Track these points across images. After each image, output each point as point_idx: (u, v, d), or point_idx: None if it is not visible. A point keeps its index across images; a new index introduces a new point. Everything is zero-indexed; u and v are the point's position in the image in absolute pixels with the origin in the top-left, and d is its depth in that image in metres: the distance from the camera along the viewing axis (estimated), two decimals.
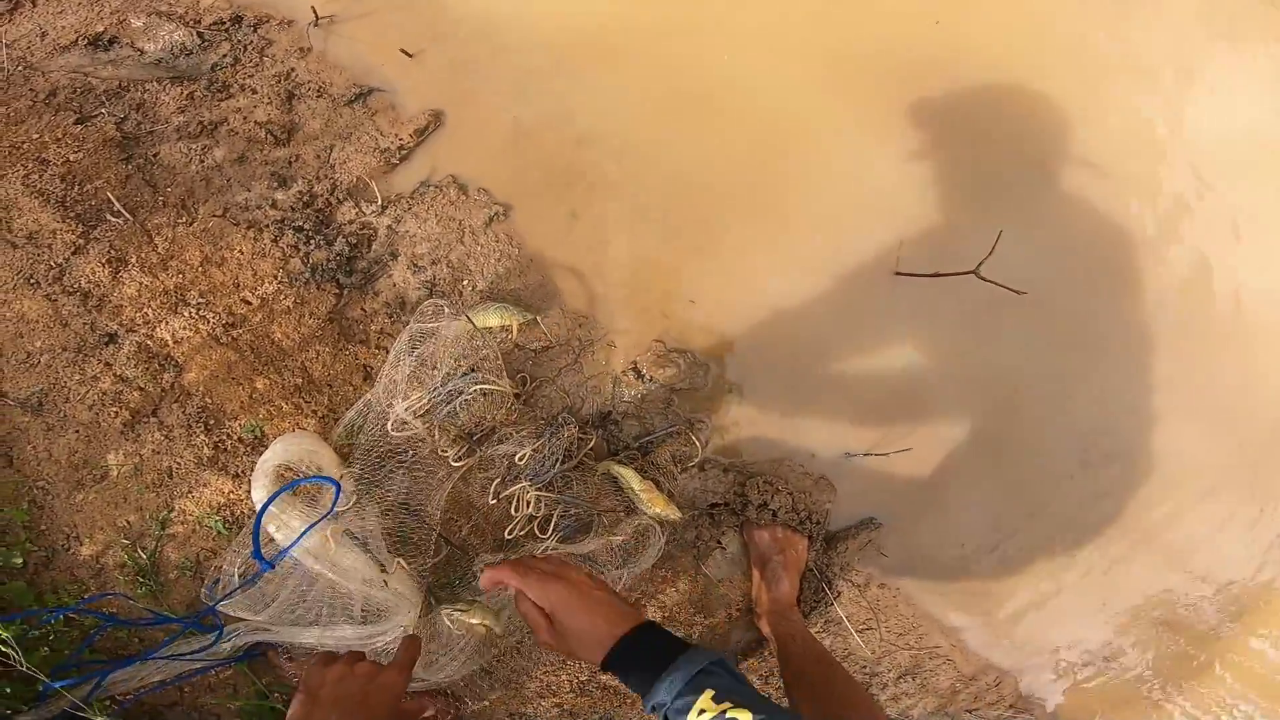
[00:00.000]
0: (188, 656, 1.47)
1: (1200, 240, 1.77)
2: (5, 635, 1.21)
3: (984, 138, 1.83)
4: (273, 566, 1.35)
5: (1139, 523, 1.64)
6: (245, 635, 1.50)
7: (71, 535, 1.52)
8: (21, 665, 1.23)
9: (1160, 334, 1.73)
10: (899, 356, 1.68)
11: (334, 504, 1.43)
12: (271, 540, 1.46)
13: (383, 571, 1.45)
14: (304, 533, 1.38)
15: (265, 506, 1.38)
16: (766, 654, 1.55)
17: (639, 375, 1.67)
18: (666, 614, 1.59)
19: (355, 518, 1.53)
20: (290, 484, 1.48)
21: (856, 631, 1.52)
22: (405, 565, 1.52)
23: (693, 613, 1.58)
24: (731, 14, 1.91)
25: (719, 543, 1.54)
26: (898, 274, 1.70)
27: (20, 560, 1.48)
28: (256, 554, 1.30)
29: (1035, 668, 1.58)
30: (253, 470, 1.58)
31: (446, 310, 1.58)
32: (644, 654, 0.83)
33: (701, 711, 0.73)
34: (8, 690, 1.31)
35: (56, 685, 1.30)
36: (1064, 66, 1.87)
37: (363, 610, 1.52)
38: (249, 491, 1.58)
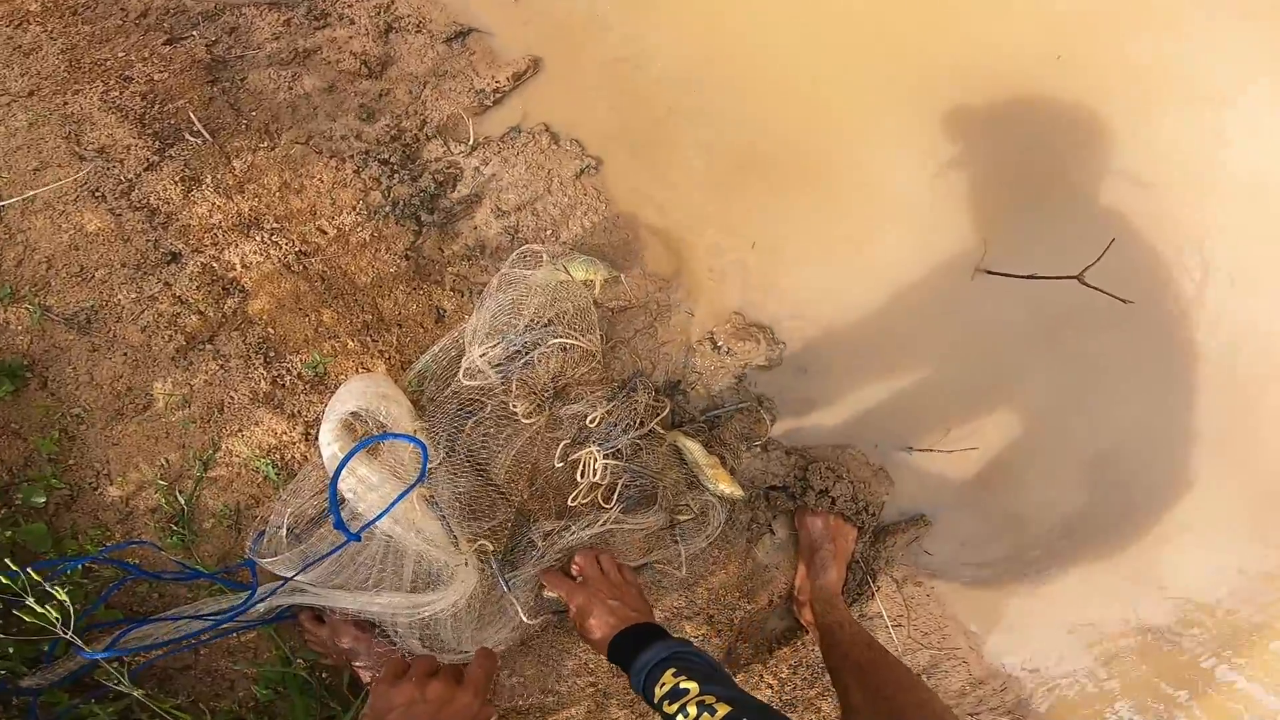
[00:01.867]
0: (219, 616, 1.26)
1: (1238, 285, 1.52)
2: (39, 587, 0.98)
3: (1079, 147, 1.59)
4: (359, 538, 1.08)
5: (1152, 552, 1.47)
6: (281, 596, 1.29)
7: (102, 473, 1.25)
8: (64, 634, 0.95)
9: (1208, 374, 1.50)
10: (972, 356, 1.49)
11: (423, 469, 1.15)
12: (344, 502, 1.20)
13: (454, 540, 1.25)
14: (396, 500, 1.09)
15: (342, 466, 1.14)
16: (799, 644, 1.39)
17: (715, 346, 1.44)
18: (712, 594, 1.38)
19: (444, 481, 1.33)
20: (368, 440, 1.27)
21: (888, 627, 1.41)
22: (488, 544, 1.32)
23: (738, 596, 1.38)
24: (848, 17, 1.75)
25: (770, 528, 1.39)
26: (986, 272, 1.48)
27: (42, 499, 1.23)
28: (339, 524, 1.03)
29: (1037, 678, 1.47)
30: (312, 411, 1.38)
31: (545, 257, 1.33)
32: (629, 647, 1.02)
33: (663, 684, 0.90)
34: (10, 650, 1.04)
35: (90, 655, 1.08)
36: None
37: (413, 576, 1.31)
38: (304, 434, 1.38)
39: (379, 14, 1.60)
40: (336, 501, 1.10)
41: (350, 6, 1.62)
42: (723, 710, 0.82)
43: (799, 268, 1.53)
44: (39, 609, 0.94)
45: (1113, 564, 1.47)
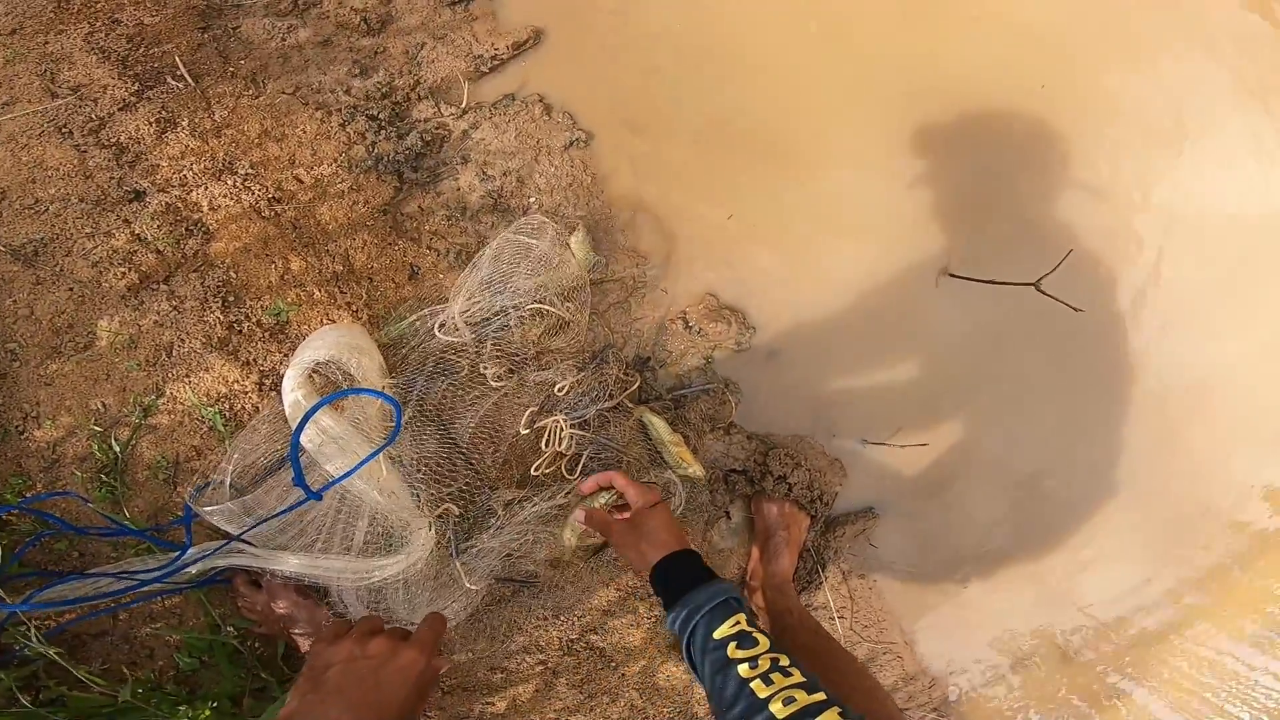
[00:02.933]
0: (148, 574, 1.12)
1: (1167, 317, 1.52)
2: None
3: (1050, 161, 1.56)
4: (320, 497, 0.94)
5: (1072, 562, 1.47)
6: (219, 557, 1.15)
7: (30, 415, 1.10)
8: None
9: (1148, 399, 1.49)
10: (932, 356, 1.45)
11: (396, 428, 1.01)
12: (303, 453, 1.04)
13: (417, 502, 1.13)
14: (368, 459, 0.95)
15: (309, 415, 1.04)
16: None
17: (687, 326, 1.35)
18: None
19: (409, 442, 1.21)
20: (341, 393, 1.15)
21: (833, 618, 1.38)
22: (453, 507, 1.19)
23: None
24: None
25: (726, 512, 1.33)
26: (951, 275, 1.45)
27: None
28: (299, 480, 0.89)
29: (960, 679, 1.45)
30: (269, 361, 1.25)
31: (551, 230, 1.24)
32: (688, 569, 0.85)
33: (736, 623, 0.76)
34: None
35: (7, 607, 0.93)
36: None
37: (364, 539, 1.18)
38: (258, 384, 1.25)
39: None
40: (298, 454, 0.97)
41: None
42: (798, 676, 0.69)
43: (775, 256, 1.43)
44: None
45: (1033, 576, 1.44)
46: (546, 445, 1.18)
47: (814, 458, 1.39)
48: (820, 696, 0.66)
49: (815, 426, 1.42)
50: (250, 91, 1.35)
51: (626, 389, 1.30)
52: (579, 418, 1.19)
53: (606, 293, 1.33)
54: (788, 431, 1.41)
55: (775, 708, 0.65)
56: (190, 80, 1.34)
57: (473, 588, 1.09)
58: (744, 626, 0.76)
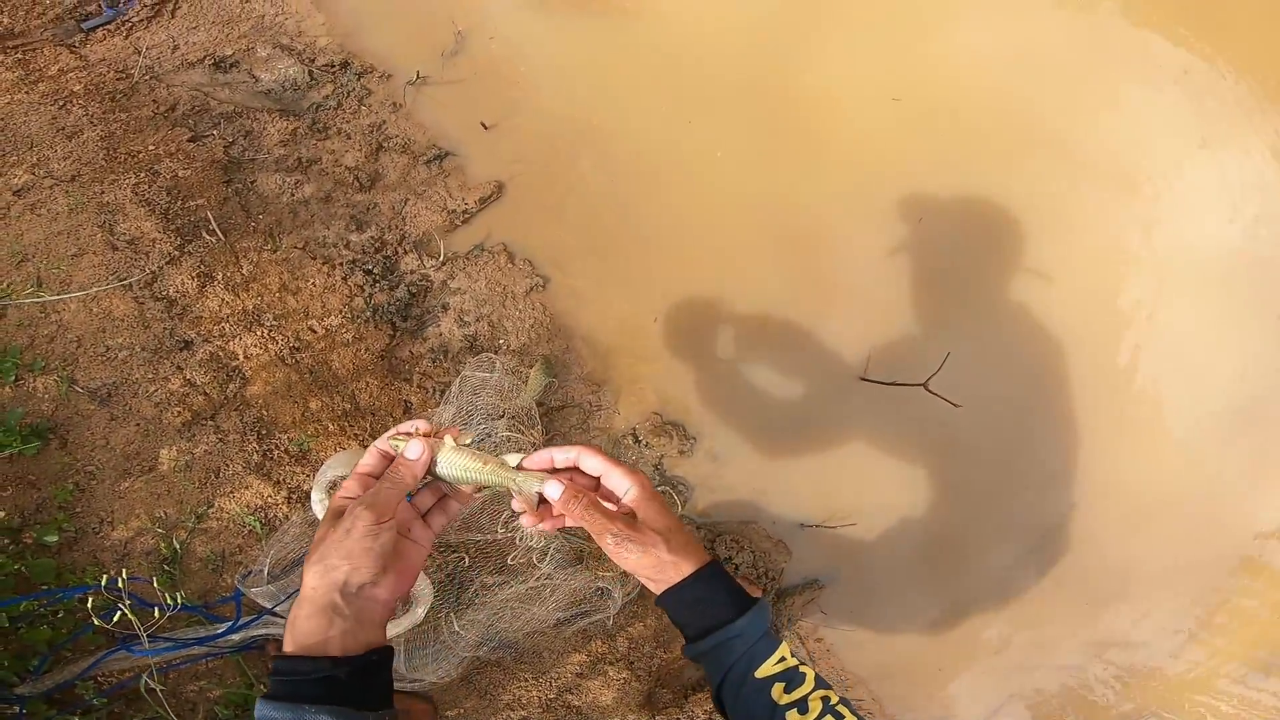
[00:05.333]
0: (202, 640, 1.44)
1: (1144, 356, 1.70)
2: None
3: (959, 246, 1.76)
4: None
5: (1066, 609, 1.66)
6: (258, 628, 1.49)
7: (106, 520, 1.40)
8: (144, 639, 1.17)
9: (1095, 443, 1.69)
10: (860, 447, 1.68)
11: None
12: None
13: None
14: None
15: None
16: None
17: (636, 440, 1.64)
18: (632, 644, 1.55)
19: None
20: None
21: None
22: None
23: (654, 646, 1.56)
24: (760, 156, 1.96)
25: None
26: (861, 379, 1.71)
27: (55, 538, 1.37)
28: None
29: None
30: (295, 480, 1.58)
31: (498, 364, 1.54)
32: (725, 590, 0.65)
33: (782, 659, 0.62)
34: (5, 664, 1.20)
35: (138, 651, 1.26)
36: (1047, 169, 1.76)
37: None
38: (287, 498, 1.58)
39: (372, 132, 1.76)
40: None
41: (348, 122, 1.78)
42: (849, 718, 0.59)
43: (711, 375, 1.72)
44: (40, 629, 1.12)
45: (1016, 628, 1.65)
46: (520, 540, 1.48)
47: (759, 540, 1.64)
48: None
49: (758, 514, 1.68)
50: (269, 246, 1.60)
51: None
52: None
53: (567, 417, 1.62)
54: (735, 519, 1.67)
55: None
56: (220, 235, 1.59)
57: (459, 630, 1.42)
58: (789, 662, 0.62)
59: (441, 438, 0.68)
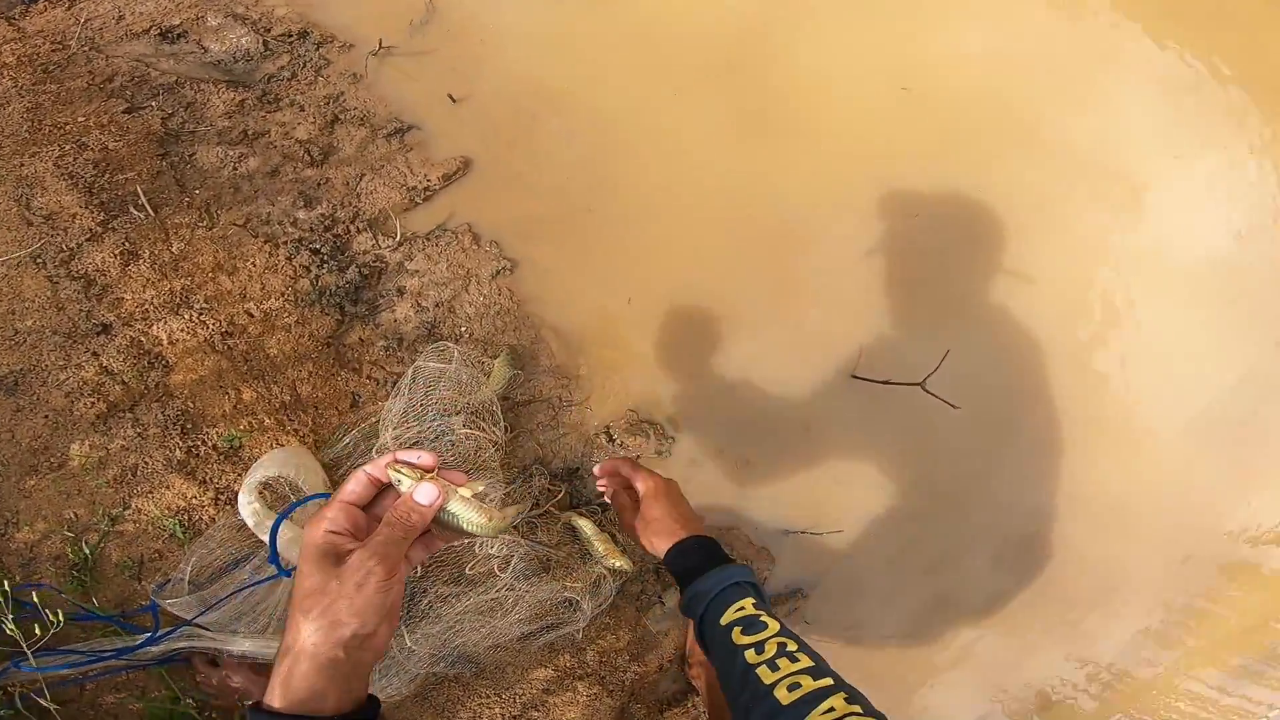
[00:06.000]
0: (117, 650, 1.27)
1: (1119, 358, 1.62)
2: None
3: (951, 245, 1.66)
4: (290, 574, 1.12)
5: (1042, 614, 1.57)
6: (180, 640, 1.31)
7: (10, 521, 1.24)
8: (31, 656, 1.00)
9: (1075, 447, 1.60)
10: (845, 449, 1.57)
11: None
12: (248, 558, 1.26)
13: None
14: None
15: (286, 514, 1.12)
16: (690, 705, 1.43)
17: (610, 439, 1.48)
18: (604, 657, 1.41)
19: None
20: (310, 498, 1.29)
21: None
22: None
23: (628, 659, 1.42)
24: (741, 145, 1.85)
25: (660, 598, 1.44)
26: (854, 377, 1.58)
27: None
28: (274, 559, 1.08)
29: None
30: (224, 480, 1.40)
31: (456, 353, 1.36)
32: (698, 554, 0.84)
33: (741, 609, 0.72)
34: None
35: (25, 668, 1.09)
36: (1036, 168, 1.68)
37: None
38: (214, 499, 1.40)
39: (329, 104, 1.61)
40: (275, 539, 1.12)
41: (302, 93, 1.63)
42: (805, 661, 0.65)
43: (690, 372, 1.58)
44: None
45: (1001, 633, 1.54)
46: (480, 549, 1.32)
47: (741, 547, 1.50)
48: (826, 681, 0.63)
49: (740, 519, 1.54)
50: (204, 223, 1.44)
51: (553, 498, 1.42)
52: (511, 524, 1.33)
53: (535, 413, 1.46)
54: (716, 525, 1.53)
55: (780, 694, 0.62)
56: (150, 210, 1.42)
57: (411, 647, 1.25)
58: (750, 611, 0.72)
59: (448, 480, 0.61)
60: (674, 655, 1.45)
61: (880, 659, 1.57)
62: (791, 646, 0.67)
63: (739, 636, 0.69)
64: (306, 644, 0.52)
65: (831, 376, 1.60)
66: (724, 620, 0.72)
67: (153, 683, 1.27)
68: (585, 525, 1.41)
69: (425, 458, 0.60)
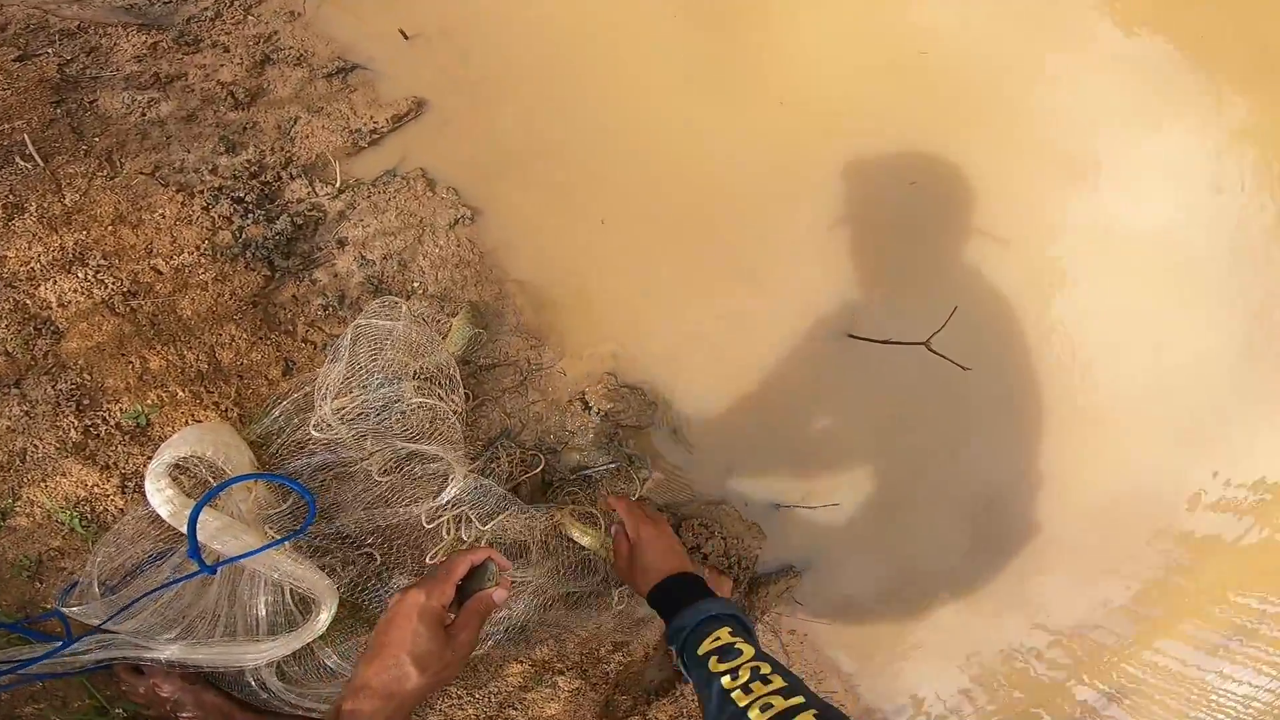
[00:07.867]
0: (35, 662, 1.03)
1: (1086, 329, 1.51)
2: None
3: (946, 208, 1.51)
4: (215, 571, 0.94)
5: (1009, 585, 1.47)
6: (94, 651, 1.07)
7: None
8: None
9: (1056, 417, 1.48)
10: (838, 416, 1.42)
11: (310, 518, 1.00)
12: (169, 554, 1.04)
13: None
14: (265, 547, 0.95)
15: (206, 500, 0.90)
16: (679, 694, 1.30)
17: (586, 407, 1.30)
18: (585, 648, 1.25)
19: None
20: (236, 479, 1.06)
21: None
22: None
23: (611, 649, 1.27)
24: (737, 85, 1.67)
25: None
26: (850, 336, 1.43)
27: None
28: (194, 553, 0.88)
29: (904, 712, 1.45)
30: (131, 464, 1.16)
31: (404, 309, 1.16)
32: (678, 591, 0.89)
33: (717, 639, 0.77)
34: None
35: None
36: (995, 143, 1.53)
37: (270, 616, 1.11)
38: (120, 487, 1.15)
39: (258, 43, 1.40)
40: (195, 531, 0.91)
41: (227, 34, 1.42)
42: (778, 683, 0.68)
43: (673, 330, 1.41)
44: None
45: (983, 598, 1.45)
46: (447, 534, 1.11)
47: (730, 524, 1.35)
48: (797, 700, 0.65)
49: (729, 494, 1.39)
50: (105, 172, 1.22)
51: (530, 471, 1.24)
52: (483, 511, 1.12)
53: (500, 378, 1.26)
54: (702, 500, 1.37)
55: (754, 715, 0.65)
56: (39, 160, 1.20)
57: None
58: (725, 640, 0.76)
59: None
60: (660, 641, 1.30)
61: (872, 636, 1.45)
62: (765, 669, 0.71)
63: (715, 664, 0.74)
64: (414, 690, 0.69)
65: (826, 337, 1.45)
66: (701, 650, 0.77)
67: (73, 692, 1.05)
68: (578, 534, 1.20)
69: (498, 557, 0.85)
